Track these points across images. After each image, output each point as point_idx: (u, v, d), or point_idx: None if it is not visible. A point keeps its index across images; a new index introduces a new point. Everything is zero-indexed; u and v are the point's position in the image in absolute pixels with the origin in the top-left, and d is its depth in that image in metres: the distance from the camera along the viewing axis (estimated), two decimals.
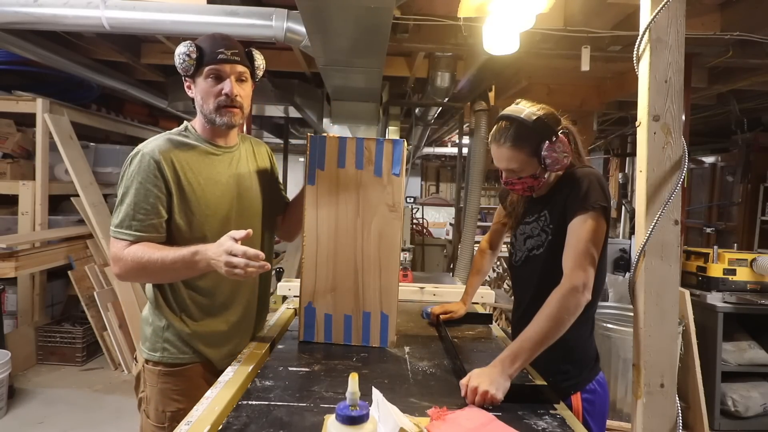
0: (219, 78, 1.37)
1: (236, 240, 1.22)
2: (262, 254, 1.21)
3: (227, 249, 1.20)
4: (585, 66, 2.95)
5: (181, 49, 1.35)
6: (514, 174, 1.40)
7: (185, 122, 1.49)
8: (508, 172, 1.41)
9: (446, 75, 3.67)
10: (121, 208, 1.33)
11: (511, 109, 1.39)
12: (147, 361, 1.44)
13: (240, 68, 1.39)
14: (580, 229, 1.28)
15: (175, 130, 1.46)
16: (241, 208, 1.48)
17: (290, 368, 1.31)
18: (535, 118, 1.34)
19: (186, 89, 1.43)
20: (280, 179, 1.72)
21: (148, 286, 1.45)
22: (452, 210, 6.24)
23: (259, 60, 1.47)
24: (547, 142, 1.33)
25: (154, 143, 1.38)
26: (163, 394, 1.41)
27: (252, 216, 1.53)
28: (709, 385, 3.16)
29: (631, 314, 1.22)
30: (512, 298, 1.63)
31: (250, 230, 1.24)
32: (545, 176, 1.41)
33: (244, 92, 1.42)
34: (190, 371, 1.43)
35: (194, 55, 1.35)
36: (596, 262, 1.28)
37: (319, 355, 1.42)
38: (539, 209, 1.46)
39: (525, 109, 1.37)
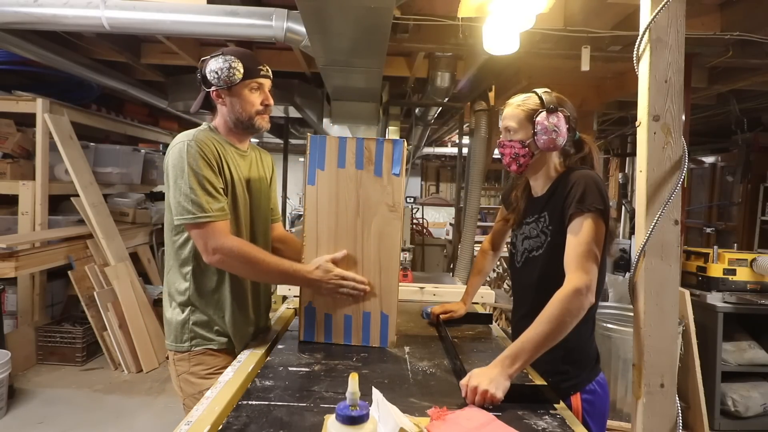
0: (258, 90, 1.54)
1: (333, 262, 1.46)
2: (366, 280, 1.48)
3: (335, 274, 1.45)
4: (585, 66, 2.94)
5: (224, 64, 1.45)
6: (509, 134, 1.45)
7: (205, 123, 1.56)
8: (506, 131, 1.47)
9: (446, 75, 3.66)
10: (191, 196, 1.37)
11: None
12: (175, 353, 1.50)
13: (270, 83, 1.58)
14: (579, 231, 1.28)
15: (203, 127, 1.53)
16: (252, 209, 1.58)
17: (290, 368, 1.31)
18: (544, 90, 1.43)
19: (214, 98, 1.51)
20: (279, 182, 1.78)
21: (171, 285, 1.50)
22: (452, 210, 6.23)
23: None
24: (545, 111, 1.37)
25: (195, 135, 1.44)
26: (196, 376, 1.48)
27: (258, 218, 1.61)
28: (709, 385, 3.16)
29: (631, 314, 1.22)
30: (512, 298, 1.63)
31: (345, 251, 1.47)
32: (533, 152, 1.42)
33: None
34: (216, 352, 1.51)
35: (242, 69, 1.47)
36: (598, 264, 1.28)
37: (319, 355, 1.42)
38: (539, 210, 1.46)
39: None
